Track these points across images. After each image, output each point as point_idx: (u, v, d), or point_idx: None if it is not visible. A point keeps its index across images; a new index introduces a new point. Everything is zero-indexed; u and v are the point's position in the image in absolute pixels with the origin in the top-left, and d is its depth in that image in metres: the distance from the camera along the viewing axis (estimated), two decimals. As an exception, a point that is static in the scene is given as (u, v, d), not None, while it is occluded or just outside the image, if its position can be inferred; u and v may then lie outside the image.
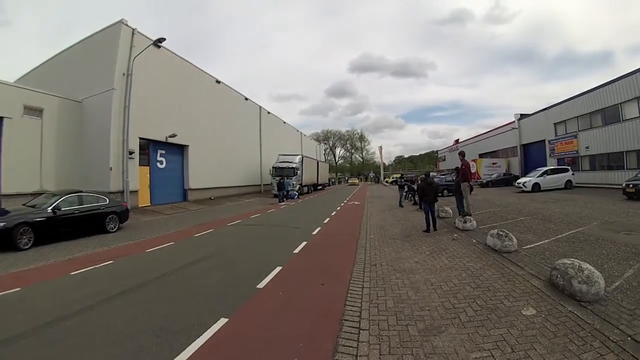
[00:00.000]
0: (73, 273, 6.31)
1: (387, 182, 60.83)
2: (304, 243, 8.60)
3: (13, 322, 4.10)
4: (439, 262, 6.22)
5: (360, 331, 3.65)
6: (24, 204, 10.43)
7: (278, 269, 6.21)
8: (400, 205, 17.08)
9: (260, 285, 5.35)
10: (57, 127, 16.62)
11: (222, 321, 3.96)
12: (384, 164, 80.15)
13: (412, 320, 3.84)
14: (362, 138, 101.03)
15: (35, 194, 12.97)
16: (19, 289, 5.45)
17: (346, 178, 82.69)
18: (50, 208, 9.63)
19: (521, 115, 35.53)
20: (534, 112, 33.52)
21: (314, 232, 10.32)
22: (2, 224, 8.45)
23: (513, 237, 6.73)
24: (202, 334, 3.63)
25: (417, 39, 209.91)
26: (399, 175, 61.73)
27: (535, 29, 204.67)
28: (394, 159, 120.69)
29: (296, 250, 7.83)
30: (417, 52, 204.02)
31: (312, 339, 3.51)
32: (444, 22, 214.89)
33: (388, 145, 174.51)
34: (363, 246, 8.03)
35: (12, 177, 14.46)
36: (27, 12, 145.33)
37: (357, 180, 68.50)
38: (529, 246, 6.93)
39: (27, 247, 8.66)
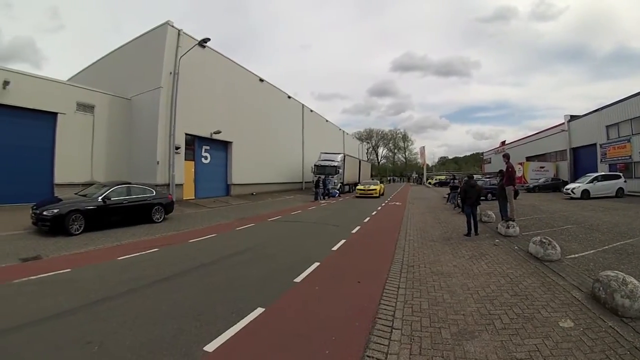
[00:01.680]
0: (120, 258, 6.75)
1: (429, 183, 58.47)
2: (343, 241, 8.68)
3: (63, 300, 4.47)
4: (477, 267, 6.09)
5: (393, 330, 3.67)
6: (76, 193, 11.21)
7: (316, 264, 6.34)
8: (454, 206, 16.44)
9: (298, 279, 5.49)
10: (108, 122, 17.70)
11: (259, 310, 4.12)
12: (427, 164, 77.54)
13: (445, 323, 3.81)
14: (405, 138, 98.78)
15: (86, 185, 13.94)
16: (69, 270, 5.92)
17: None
18: (100, 197, 10.26)
19: (571, 116, 33.54)
20: (584, 113, 31.59)
21: (353, 231, 10.34)
22: (55, 211, 9.16)
23: (557, 245, 6.46)
24: (239, 321, 3.81)
25: (460, 37, 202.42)
26: (443, 177, 58.92)
27: (585, 25, 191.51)
28: (437, 159, 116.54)
29: (335, 248, 7.92)
30: (460, 50, 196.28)
31: (344, 334, 3.57)
32: (488, 20, 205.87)
33: (432, 146, 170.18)
34: (402, 247, 7.97)
35: (65, 168, 15.59)
36: (79, 18, 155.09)
37: (377, 187, 27.01)
38: (573, 256, 6.63)
39: (78, 232, 9.30)
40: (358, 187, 27.57)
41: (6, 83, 13.44)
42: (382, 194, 27.77)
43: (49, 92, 15.21)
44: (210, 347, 3.24)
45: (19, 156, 14.20)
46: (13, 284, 5.11)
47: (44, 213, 9.08)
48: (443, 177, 60.22)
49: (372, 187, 26.44)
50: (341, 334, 3.58)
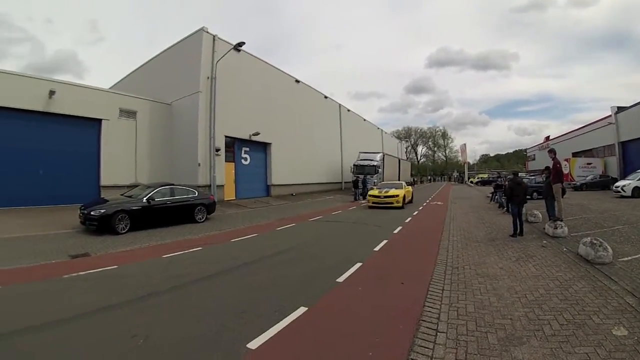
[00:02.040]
0: (164, 256, 7.04)
1: (471, 182, 56.44)
2: (385, 241, 8.59)
3: (110, 294, 4.73)
4: (525, 270, 5.87)
5: (438, 333, 3.61)
6: (121, 194, 11.76)
7: (358, 265, 6.31)
8: (499, 205, 15.89)
9: (340, 279, 5.49)
10: (150, 127, 18.54)
11: (302, 310, 4.16)
12: (467, 163, 74.33)
13: (492, 327, 3.70)
14: (444, 135, 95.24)
15: (131, 186, 14.66)
16: (116, 266, 6.24)
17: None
18: (145, 198, 10.72)
19: (618, 108, 31.00)
20: (632, 104, 29.16)
21: (395, 231, 10.22)
22: (102, 211, 9.67)
23: (608, 247, 6.09)
24: (281, 320, 3.86)
25: (496, 29, 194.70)
26: (485, 175, 56.84)
27: (628, 8, 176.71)
28: (479, 157, 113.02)
29: (377, 248, 7.85)
30: (497, 43, 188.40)
31: (388, 336, 3.55)
32: (524, 10, 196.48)
33: (472, 143, 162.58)
34: (445, 248, 7.82)
35: (110, 170, 16.47)
36: (117, 29, 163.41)
37: (399, 192, 17.13)
38: (626, 258, 6.22)
39: (124, 231, 9.75)
40: (370, 192, 18.75)
41: (52, 92, 14.36)
42: (411, 202, 19.62)
43: (93, 100, 16.12)
44: (253, 345, 3.30)
45: (67, 160, 15.21)
46: (63, 279, 5.45)
47: (92, 213, 9.58)
48: (485, 176, 58.16)
49: (392, 192, 17.34)
50: (385, 335, 3.55)
